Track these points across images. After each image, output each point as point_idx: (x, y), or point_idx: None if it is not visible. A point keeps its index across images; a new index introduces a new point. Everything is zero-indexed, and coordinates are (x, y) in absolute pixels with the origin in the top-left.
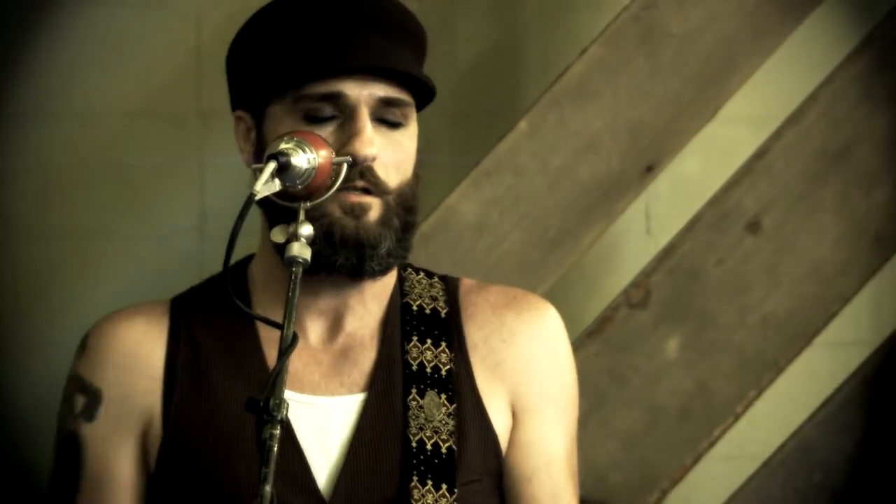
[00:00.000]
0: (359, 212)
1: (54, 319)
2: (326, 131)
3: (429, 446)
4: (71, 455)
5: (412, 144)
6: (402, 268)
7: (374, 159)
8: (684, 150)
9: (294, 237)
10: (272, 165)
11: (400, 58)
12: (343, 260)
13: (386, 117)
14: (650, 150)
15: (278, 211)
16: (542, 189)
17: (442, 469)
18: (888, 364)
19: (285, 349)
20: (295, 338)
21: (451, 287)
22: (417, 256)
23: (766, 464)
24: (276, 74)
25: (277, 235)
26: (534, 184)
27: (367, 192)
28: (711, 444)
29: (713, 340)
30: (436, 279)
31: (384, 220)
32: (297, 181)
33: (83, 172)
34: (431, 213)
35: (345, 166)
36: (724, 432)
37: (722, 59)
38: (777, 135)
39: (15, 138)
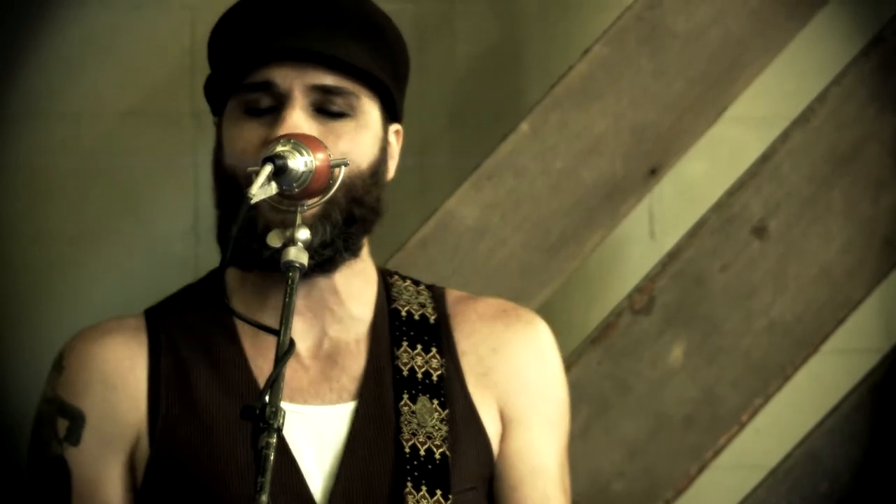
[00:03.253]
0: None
1: (46, 321)
2: (262, 122)
3: (422, 452)
4: (58, 480)
5: (364, 136)
6: (389, 274)
7: None
8: (689, 152)
9: (290, 242)
10: (268, 168)
11: (338, 46)
12: (271, 252)
13: (326, 107)
14: (654, 153)
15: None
16: (543, 192)
17: (436, 475)
18: None
19: (282, 356)
20: (292, 344)
21: (437, 295)
22: (416, 261)
23: (772, 473)
24: (222, 69)
25: (273, 240)
26: (535, 187)
27: None
28: (717, 453)
29: (718, 347)
30: (422, 287)
31: (321, 212)
32: (294, 184)
33: (75, 173)
34: (431, 216)
35: (343, 168)
36: (729, 441)
37: (727, 58)
38: (784, 136)
39: (6, 138)
